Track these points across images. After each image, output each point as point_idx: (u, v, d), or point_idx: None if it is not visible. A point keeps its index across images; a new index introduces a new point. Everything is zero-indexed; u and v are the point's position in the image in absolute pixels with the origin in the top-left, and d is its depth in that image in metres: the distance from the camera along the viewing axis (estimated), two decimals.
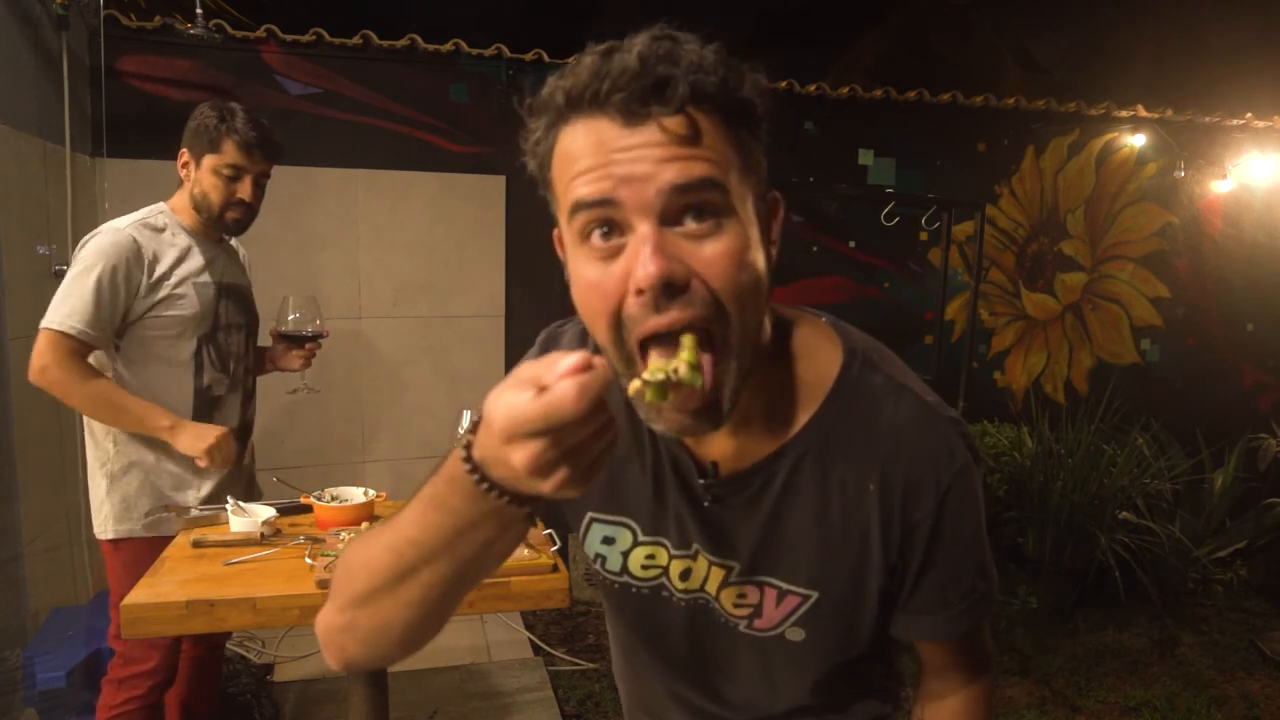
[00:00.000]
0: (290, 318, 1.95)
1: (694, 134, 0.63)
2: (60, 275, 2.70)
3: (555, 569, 1.51)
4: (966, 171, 4.14)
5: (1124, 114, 4.30)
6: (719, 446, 0.79)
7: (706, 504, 0.81)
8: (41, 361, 1.77)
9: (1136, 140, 4.35)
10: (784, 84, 3.81)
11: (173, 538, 1.72)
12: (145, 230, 1.85)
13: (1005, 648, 3.30)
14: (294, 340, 1.97)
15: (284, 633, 3.11)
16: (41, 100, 2.64)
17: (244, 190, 1.85)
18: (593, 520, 0.89)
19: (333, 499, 1.78)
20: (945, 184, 4.07)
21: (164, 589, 1.41)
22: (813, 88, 3.84)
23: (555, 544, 1.57)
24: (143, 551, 1.78)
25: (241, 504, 1.73)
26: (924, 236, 4.04)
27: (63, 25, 2.69)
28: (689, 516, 0.82)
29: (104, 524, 1.88)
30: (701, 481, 0.80)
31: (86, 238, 1.82)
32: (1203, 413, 4.40)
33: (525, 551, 1.53)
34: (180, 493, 1.90)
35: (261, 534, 1.63)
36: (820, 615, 0.82)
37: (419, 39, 3.35)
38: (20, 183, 2.51)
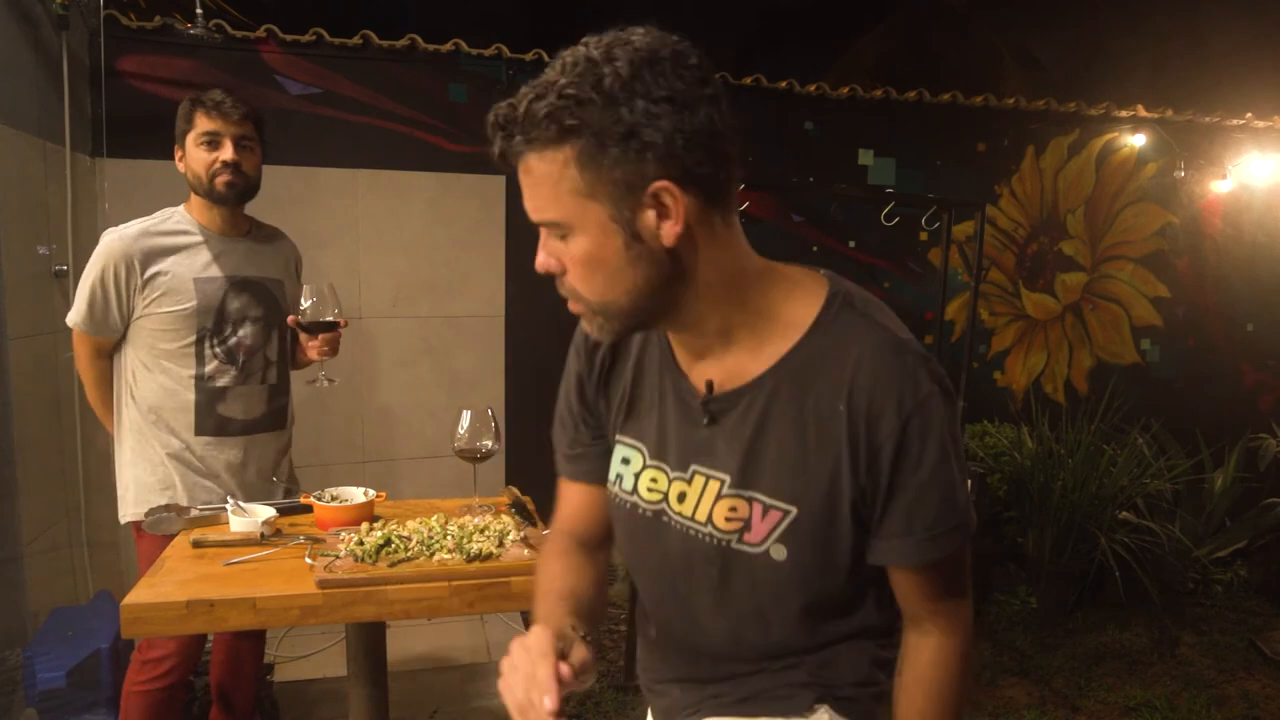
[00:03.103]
0: (305, 306, 1.94)
1: (533, 179, 0.82)
2: (60, 275, 2.72)
3: None
4: (966, 171, 4.14)
5: (1124, 114, 4.30)
6: (716, 371, 0.93)
7: (704, 424, 0.93)
8: (75, 353, 2.01)
9: (1136, 140, 4.35)
10: (784, 84, 3.81)
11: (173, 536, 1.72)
12: (147, 233, 1.92)
13: (1005, 648, 3.31)
14: (311, 329, 1.97)
15: (284, 633, 3.11)
16: (41, 100, 2.64)
17: (225, 153, 1.90)
18: (617, 440, 1.03)
19: (333, 499, 1.78)
20: (945, 184, 4.07)
21: (164, 589, 1.41)
22: (813, 88, 3.85)
23: None
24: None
25: (241, 504, 1.73)
26: (924, 236, 4.04)
27: (63, 25, 2.69)
28: (688, 438, 0.95)
29: (125, 509, 1.99)
30: (700, 401, 0.93)
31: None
32: (1203, 413, 4.40)
33: (525, 552, 1.53)
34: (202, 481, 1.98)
35: (261, 534, 1.63)
36: (799, 532, 0.90)
37: (419, 39, 3.35)
38: (20, 183, 2.51)
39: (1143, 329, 4.51)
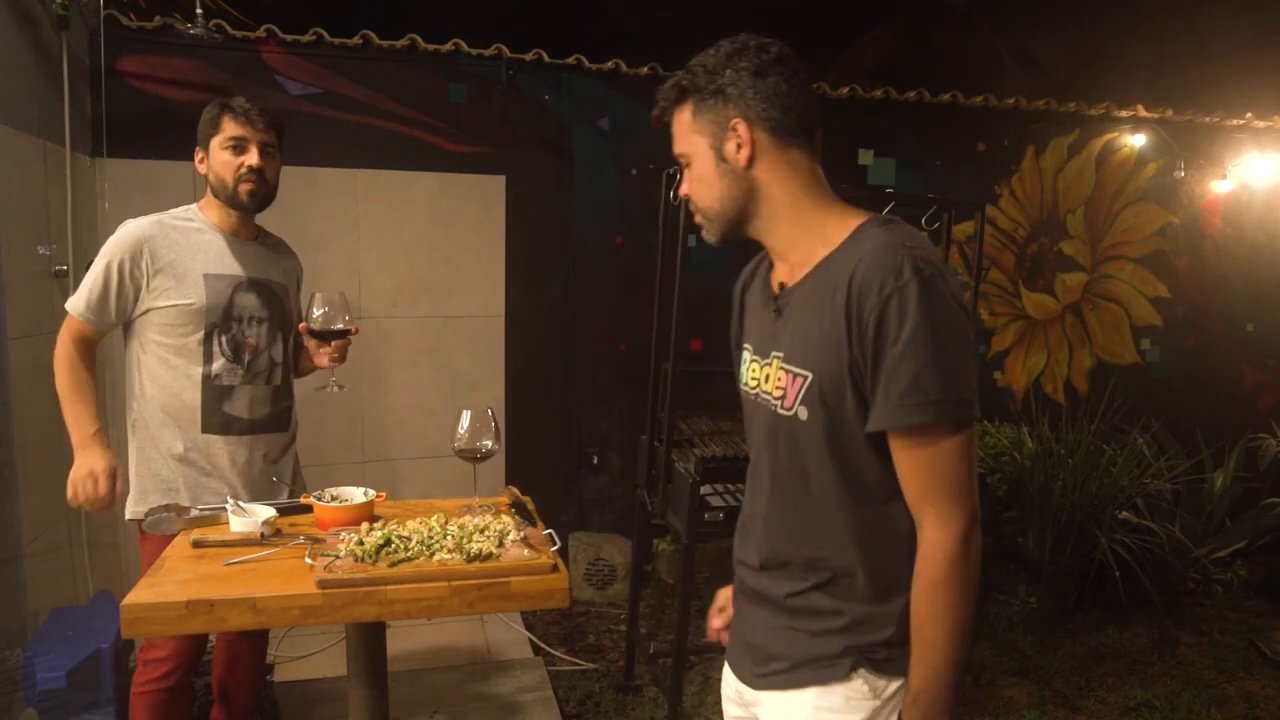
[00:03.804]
0: (317, 314, 1.96)
1: (675, 127, 1.22)
2: (60, 275, 2.72)
3: (555, 569, 1.51)
4: (966, 171, 4.14)
5: (1124, 114, 4.30)
6: (785, 275, 1.21)
7: (775, 317, 1.21)
8: (59, 338, 1.94)
9: (1136, 140, 4.35)
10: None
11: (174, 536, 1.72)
12: (164, 225, 1.95)
13: (1005, 648, 3.31)
14: (322, 337, 1.99)
15: (284, 633, 3.11)
16: (41, 100, 2.64)
17: (250, 158, 1.93)
18: (741, 347, 1.33)
19: (333, 499, 1.78)
20: (945, 184, 4.07)
21: (164, 589, 1.41)
22: (812, 87, 3.84)
23: (555, 544, 1.57)
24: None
25: (241, 504, 1.73)
26: (924, 236, 4.04)
27: (63, 25, 2.69)
28: (767, 331, 1.23)
29: (130, 506, 2.00)
30: (773, 299, 1.22)
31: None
32: (1203, 413, 4.40)
33: (525, 551, 1.53)
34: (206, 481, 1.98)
35: (261, 534, 1.63)
36: (814, 394, 1.12)
37: (419, 39, 3.35)
38: (20, 183, 2.51)
39: (1143, 329, 4.51)
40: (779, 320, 1.20)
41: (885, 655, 1.12)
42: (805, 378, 1.12)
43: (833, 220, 1.16)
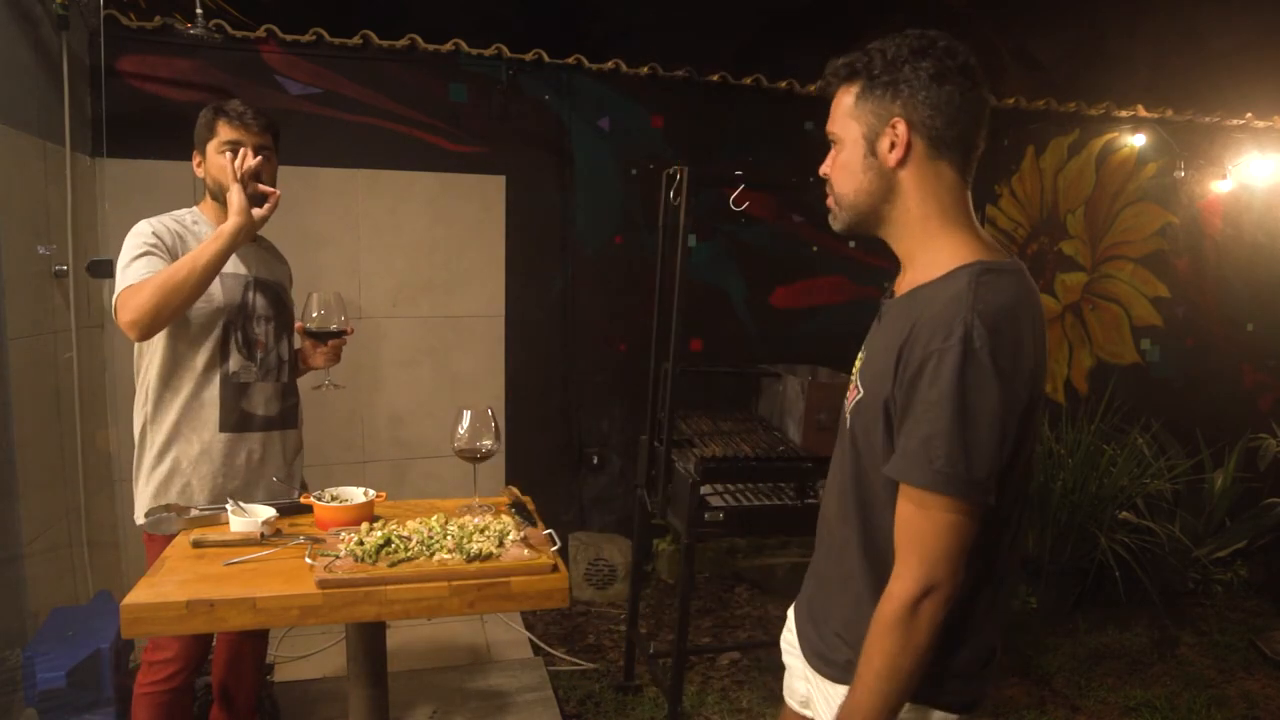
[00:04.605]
0: (314, 315, 1.99)
1: (835, 104, 1.21)
2: (60, 275, 2.72)
3: (555, 569, 1.51)
4: None
5: (1124, 114, 4.30)
6: (900, 286, 1.21)
7: (877, 321, 1.24)
8: (121, 306, 1.81)
9: (1136, 140, 4.35)
10: (784, 84, 3.81)
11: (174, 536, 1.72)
12: (178, 223, 1.97)
13: (1005, 648, 3.30)
14: (318, 337, 2.02)
15: (284, 633, 3.11)
16: (41, 100, 2.64)
17: (246, 161, 1.93)
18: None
19: (333, 499, 1.78)
20: None
21: (164, 589, 1.41)
22: (813, 88, 3.84)
23: (555, 544, 1.57)
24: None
25: (241, 504, 1.73)
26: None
27: (63, 25, 2.69)
28: (871, 331, 1.26)
29: (139, 513, 1.99)
30: (883, 301, 1.25)
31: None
32: (1203, 413, 4.40)
33: (525, 552, 1.53)
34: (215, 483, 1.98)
35: (261, 534, 1.63)
36: (859, 410, 1.18)
37: (419, 39, 3.35)
38: (20, 183, 2.51)
39: (1143, 329, 4.52)
40: (877, 326, 1.24)
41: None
42: (859, 392, 1.19)
43: (950, 249, 1.14)
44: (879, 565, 1.15)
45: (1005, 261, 1.12)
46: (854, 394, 1.20)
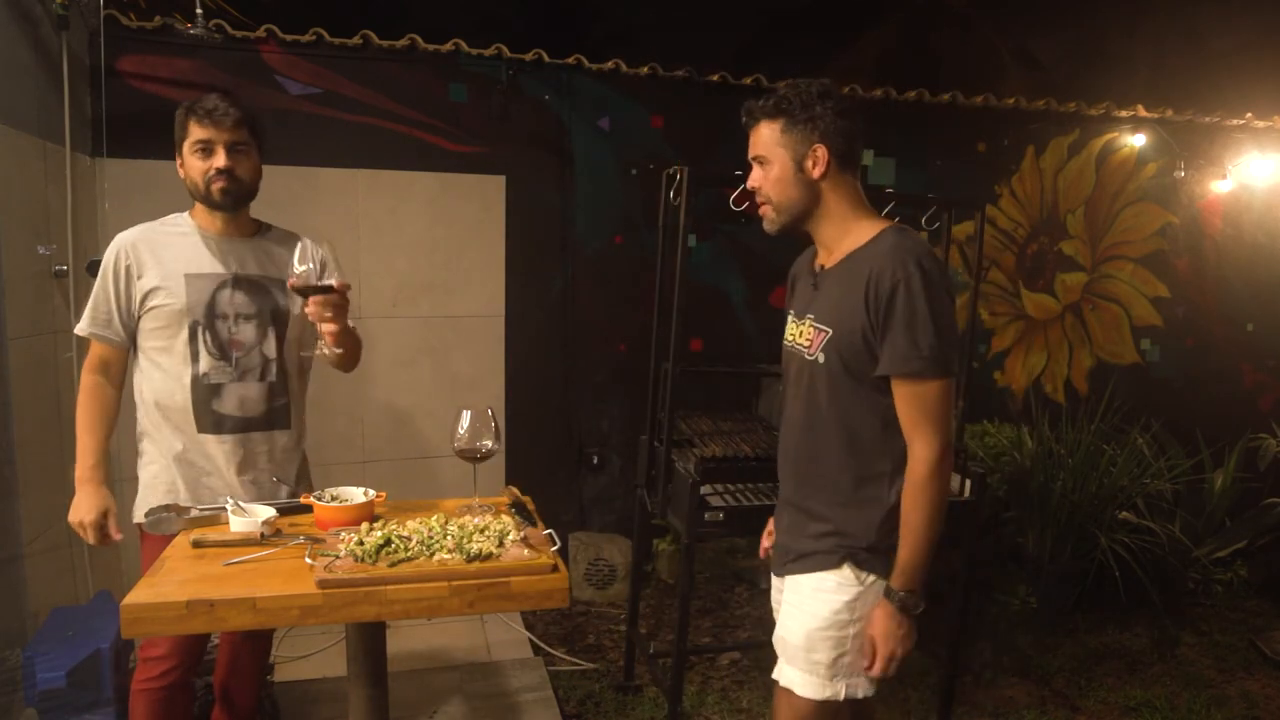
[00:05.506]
0: (299, 269, 1.79)
1: (758, 134, 1.62)
2: (60, 275, 2.72)
3: (555, 569, 1.51)
4: (966, 171, 4.14)
5: (1124, 114, 4.30)
6: (825, 260, 1.64)
7: (814, 289, 1.64)
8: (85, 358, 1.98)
9: (1136, 140, 4.35)
10: (784, 84, 3.80)
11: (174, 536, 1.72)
12: (149, 230, 1.97)
13: (1005, 648, 3.30)
14: (302, 293, 1.84)
15: (284, 633, 3.11)
16: (41, 100, 2.64)
17: (218, 159, 1.91)
18: (788, 313, 1.76)
19: (333, 499, 1.78)
20: (945, 184, 4.07)
21: (164, 589, 1.41)
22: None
23: (555, 544, 1.57)
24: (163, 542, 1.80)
25: (242, 504, 1.73)
26: (924, 236, 4.04)
27: (63, 25, 2.69)
28: (808, 300, 1.66)
29: (135, 509, 1.99)
30: (813, 276, 1.66)
31: None
32: (1203, 413, 4.40)
33: (525, 552, 1.53)
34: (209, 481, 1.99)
35: (261, 534, 1.63)
36: (831, 345, 1.56)
37: (419, 39, 3.35)
38: (20, 183, 2.51)
39: (1143, 329, 4.51)
40: (815, 292, 1.63)
41: (865, 556, 1.57)
42: (827, 332, 1.56)
43: (864, 225, 1.59)
44: (860, 455, 1.57)
45: (903, 226, 1.58)
46: (820, 336, 1.57)
